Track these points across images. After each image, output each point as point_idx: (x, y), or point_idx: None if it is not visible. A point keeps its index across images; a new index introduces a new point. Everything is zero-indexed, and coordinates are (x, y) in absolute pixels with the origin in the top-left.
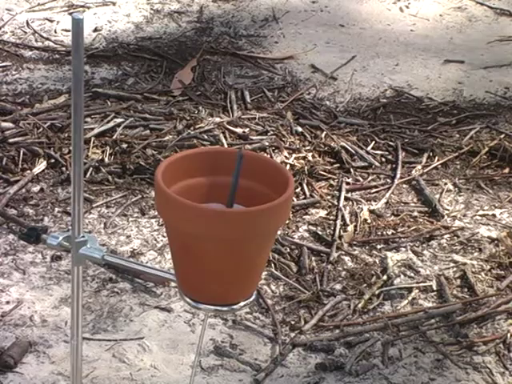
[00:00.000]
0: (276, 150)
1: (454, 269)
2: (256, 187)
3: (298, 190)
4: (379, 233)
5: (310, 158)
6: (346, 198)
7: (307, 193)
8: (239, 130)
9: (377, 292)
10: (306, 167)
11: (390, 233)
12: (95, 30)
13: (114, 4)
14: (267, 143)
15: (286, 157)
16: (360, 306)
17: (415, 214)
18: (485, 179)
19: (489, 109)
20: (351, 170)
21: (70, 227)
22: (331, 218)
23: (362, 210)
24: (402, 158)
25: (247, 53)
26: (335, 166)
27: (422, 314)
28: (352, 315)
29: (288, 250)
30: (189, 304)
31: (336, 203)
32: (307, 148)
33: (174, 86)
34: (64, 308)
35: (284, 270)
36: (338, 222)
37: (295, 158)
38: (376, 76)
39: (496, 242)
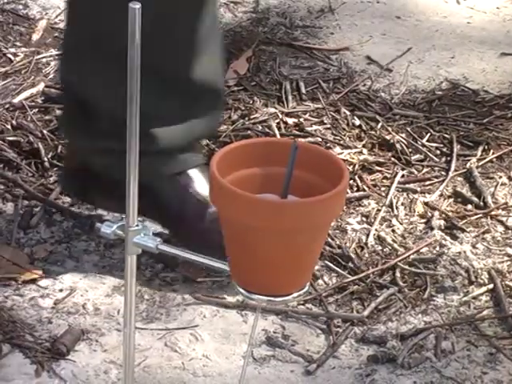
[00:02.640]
0: (328, 144)
1: (508, 262)
2: (310, 178)
3: (351, 181)
4: None
5: (365, 151)
6: (400, 190)
7: (360, 185)
8: (294, 121)
9: (430, 284)
10: (359, 159)
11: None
12: None
13: None
14: (320, 135)
15: (340, 151)
16: (413, 298)
17: (469, 206)
18: None
19: None
20: (406, 162)
21: (124, 216)
22: (384, 210)
23: (416, 202)
24: (457, 150)
25: (303, 44)
26: (389, 158)
27: (474, 307)
28: (405, 307)
29: (340, 242)
30: (241, 294)
31: (390, 195)
32: (362, 140)
33: (229, 76)
34: (117, 296)
35: (336, 261)
36: (392, 215)
37: (350, 151)
38: (432, 68)
39: None
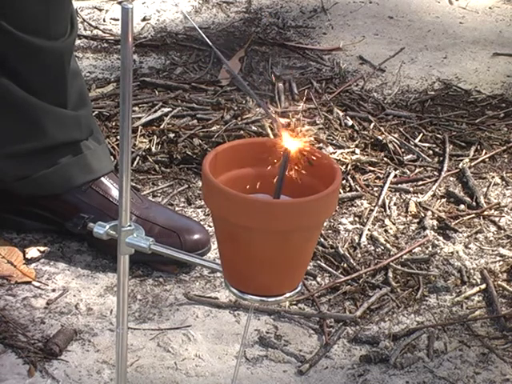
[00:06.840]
0: (321, 143)
1: (501, 262)
2: (303, 178)
3: (344, 182)
4: None
5: (357, 151)
6: (393, 190)
7: (353, 185)
8: (286, 121)
9: (422, 284)
10: (352, 158)
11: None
12: (144, 19)
13: None
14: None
15: (332, 151)
16: (405, 298)
17: (462, 206)
18: None
19: None
20: (398, 162)
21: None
22: (377, 210)
23: (409, 202)
24: (450, 150)
25: (295, 44)
26: (382, 158)
27: (467, 307)
28: (397, 308)
29: (333, 242)
30: (234, 294)
31: (382, 196)
32: (355, 140)
33: (222, 76)
34: (109, 296)
35: (329, 261)
36: (385, 215)
37: (342, 151)
38: (424, 68)
39: None
